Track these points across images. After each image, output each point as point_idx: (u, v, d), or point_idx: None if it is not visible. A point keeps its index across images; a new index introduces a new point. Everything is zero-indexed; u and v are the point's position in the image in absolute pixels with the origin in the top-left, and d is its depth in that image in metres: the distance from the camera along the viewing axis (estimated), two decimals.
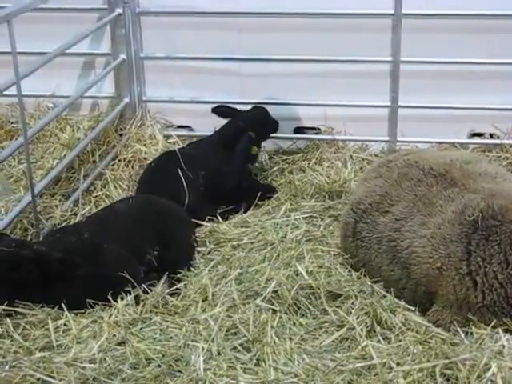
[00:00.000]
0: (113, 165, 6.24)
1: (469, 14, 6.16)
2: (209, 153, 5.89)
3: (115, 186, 5.96)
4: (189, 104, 6.71)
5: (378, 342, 4.06)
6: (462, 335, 3.98)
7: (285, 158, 6.54)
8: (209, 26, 6.48)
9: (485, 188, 4.43)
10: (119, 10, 6.45)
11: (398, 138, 6.50)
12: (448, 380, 3.69)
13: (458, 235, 4.21)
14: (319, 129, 6.72)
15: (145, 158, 6.31)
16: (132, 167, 6.26)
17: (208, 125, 6.40)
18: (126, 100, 6.68)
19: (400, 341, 4.04)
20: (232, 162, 5.83)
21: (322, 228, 5.37)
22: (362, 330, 4.13)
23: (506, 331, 3.95)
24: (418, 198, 4.57)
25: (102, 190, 5.91)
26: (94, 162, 6.20)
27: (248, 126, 5.91)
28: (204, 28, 6.49)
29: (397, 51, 6.21)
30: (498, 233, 4.12)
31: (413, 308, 4.34)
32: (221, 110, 6.10)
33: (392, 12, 6.13)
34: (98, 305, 4.44)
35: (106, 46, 6.70)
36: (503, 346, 3.78)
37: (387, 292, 4.46)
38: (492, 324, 3.98)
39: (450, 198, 4.44)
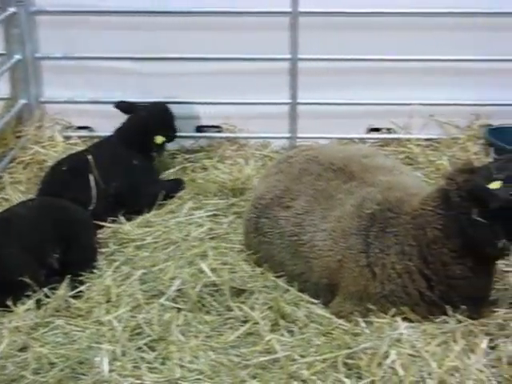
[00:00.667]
0: (11, 168, 6.12)
1: (364, 12, 6.32)
2: (113, 152, 5.85)
3: (13, 190, 5.85)
4: (89, 104, 6.65)
5: (282, 335, 4.12)
6: (363, 325, 4.08)
7: (187, 156, 6.55)
8: (108, 25, 6.43)
9: (382, 181, 4.55)
10: (13, 9, 6.33)
11: (299, 135, 6.60)
12: (350, 369, 3.79)
13: (356, 228, 4.32)
14: (221, 127, 6.76)
15: (44, 160, 6.21)
16: (31, 170, 6.16)
17: (108, 125, 6.34)
18: (23, 101, 6.56)
19: (303, 333, 4.11)
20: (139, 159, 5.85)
21: (225, 225, 5.40)
22: (265, 324, 4.19)
23: (404, 319, 4.08)
24: (318, 192, 4.66)
25: None
26: None
27: (150, 120, 5.97)
28: (103, 27, 6.44)
29: (295, 49, 6.31)
30: (394, 225, 4.24)
31: (316, 301, 4.42)
32: (123, 105, 6.08)
33: (289, 10, 6.23)
34: None
35: (0, 46, 6.56)
36: (401, 334, 3.90)
37: (290, 286, 4.53)
38: (391, 313, 4.08)
39: (349, 192, 4.55)
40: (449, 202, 4.05)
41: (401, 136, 6.61)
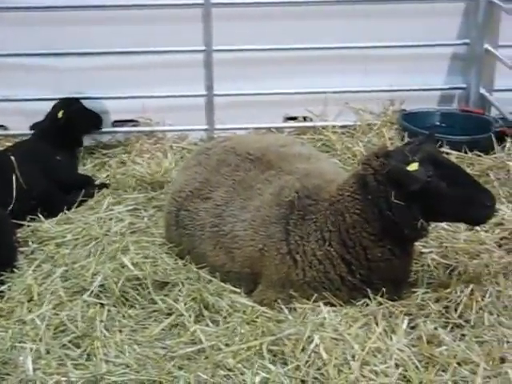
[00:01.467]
0: None
1: (276, 2, 6.39)
2: (35, 151, 5.81)
3: None
4: (3, 102, 6.54)
5: (207, 325, 4.15)
6: (286, 311, 4.14)
7: (105, 152, 6.54)
8: (18, 21, 6.35)
9: (299, 169, 4.62)
10: None
11: (216, 126, 6.65)
12: (275, 356, 3.84)
13: (276, 216, 4.37)
14: (137, 121, 6.75)
15: None
16: None
17: (23, 123, 6.29)
18: None
19: (228, 323, 4.15)
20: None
21: (145, 219, 5.40)
22: (190, 315, 4.21)
23: (326, 304, 4.15)
24: (237, 182, 4.69)
25: None
26: None
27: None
28: (14, 24, 6.35)
29: (209, 40, 6.34)
30: (313, 211, 4.30)
31: (239, 290, 4.46)
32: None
33: (202, 1, 6.25)
34: None
35: None
36: (324, 318, 3.97)
37: (213, 277, 4.56)
38: (313, 298, 4.16)
39: (267, 181, 4.60)
40: (366, 187, 4.13)
41: (317, 124, 6.72)
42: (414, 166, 3.96)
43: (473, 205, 4.01)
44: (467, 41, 6.64)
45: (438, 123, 6.63)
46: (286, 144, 5.01)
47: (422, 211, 4.04)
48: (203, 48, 6.40)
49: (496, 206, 4.14)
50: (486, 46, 6.54)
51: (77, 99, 6.28)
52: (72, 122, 6.03)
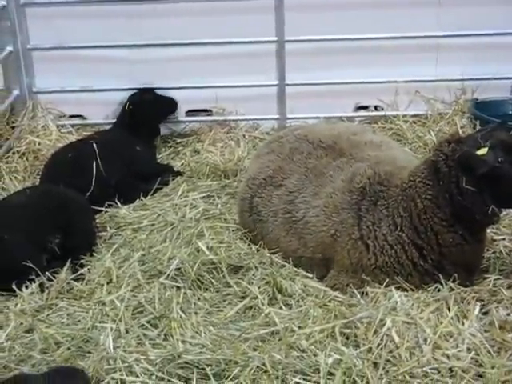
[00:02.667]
0: (7, 157, 6.20)
1: None
2: (116, 141, 5.98)
3: (10, 178, 5.94)
4: (80, 93, 6.72)
5: (280, 308, 4.22)
6: (358, 296, 4.18)
7: (179, 140, 6.66)
8: (95, 14, 6.50)
9: (371, 156, 4.65)
10: (3, 2, 6.40)
11: (288, 115, 6.70)
12: (348, 338, 3.89)
13: (348, 202, 4.41)
14: (211, 110, 6.84)
15: (39, 150, 6.31)
16: (27, 159, 6.25)
17: (100, 113, 6.46)
18: (16, 92, 6.64)
19: (301, 306, 4.21)
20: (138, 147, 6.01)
21: (219, 206, 5.49)
22: (264, 298, 4.28)
23: (398, 289, 4.18)
24: (309, 170, 4.75)
25: None
26: None
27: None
28: (90, 17, 6.51)
29: (281, 31, 6.39)
30: (385, 197, 4.33)
31: (311, 275, 4.52)
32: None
33: None
34: (2, 295, 4.46)
35: None
36: (396, 303, 4.00)
37: (286, 262, 4.62)
38: (385, 283, 4.19)
39: (339, 168, 4.64)
40: (437, 173, 4.14)
41: (388, 113, 6.71)
42: (483, 151, 3.95)
43: None
44: None
45: (510, 112, 6.56)
46: (358, 132, 5.04)
47: (493, 197, 4.03)
48: (275, 38, 6.44)
49: None
50: None
51: (149, 89, 6.41)
52: (143, 112, 6.14)
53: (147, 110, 6.21)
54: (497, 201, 4.06)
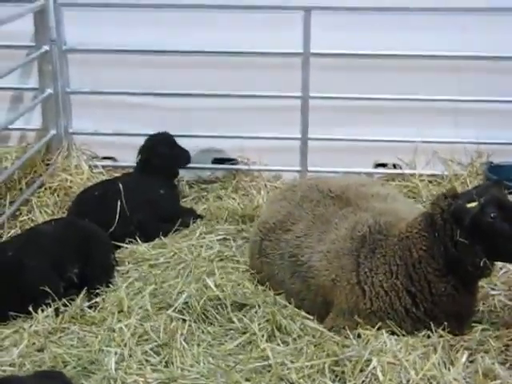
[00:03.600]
0: (39, 193, 6.55)
1: (370, 54, 6.71)
2: (141, 182, 6.28)
3: (41, 212, 6.27)
4: (112, 136, 7.09)
5: (278, 345, 4.45)
6: (351, 336, 4.38)
7: (204, 186, 6.96)
8: (131, 62, 6.89)
9: (375, 207, 4.89)
10: (46, 47, 6.82)
11: (309, 168, 6.95)
12: (336, 375, 4.09)
13: (348, 249, 4.65)
14: (236, 160, 7.15)
15: (70, 187, 6.64)
16: (58, 195, 6.58)
17: (131, 155, 6.78)
18: (53, 132, 7.02)
19: (297, 344, 4.43)
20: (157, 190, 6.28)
21: (233, 248, 5.75)
22: (263, 335, 4.51)
23: (391, 334, 4.38)
24: (316, 217, 5.00)
25: (27, 215, 6.21)
26: (21, 189, 6.50)
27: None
28: (127, 65, 6.90)
29: (306, 87, 6.70)
30: (383, 246, 4.56)
31: (311, 316, 4.74)
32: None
33: (301, 51, 6.63)
34: (20, 317, 4.76)
35: (34, 81, 7.04)
36: (385, 344, 4.19)
37: (288, 303, 4.85)
38: (377, 326, 4.39)
39: (344, 217, 4.88)
40: (433, 225, 4.37)
41: (406, 171, 6.94)
42: (472, 204, 4.18)
43: None
44: None
45: None
46: (366, 184, 5.30)
47: (485, 250, 4.24)
48: (300, 94, 6.75)
49: None
50: None
51: (162, 139, 6.54)
52: (156, 162, 6.37)
53: (158, 161, 6.37)
54: (489, 254, 4.26)
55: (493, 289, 4.94)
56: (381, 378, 3.94)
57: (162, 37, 6.77)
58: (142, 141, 6.65)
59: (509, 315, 4.67)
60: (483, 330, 4.47)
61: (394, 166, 7.09)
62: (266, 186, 6.88)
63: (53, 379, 3.57)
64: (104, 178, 6.82)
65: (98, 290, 5.10)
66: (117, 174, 6.84)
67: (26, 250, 5.06)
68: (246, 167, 7.05)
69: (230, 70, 6.78)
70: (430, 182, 6.85)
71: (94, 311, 4.87)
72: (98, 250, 5.39)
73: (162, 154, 6.40)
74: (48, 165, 6.92)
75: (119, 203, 5.94)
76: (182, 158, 6.56)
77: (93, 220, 5.67)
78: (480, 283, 4.65)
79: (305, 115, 6.82)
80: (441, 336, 4.34)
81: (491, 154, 6.89)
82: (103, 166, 7.04)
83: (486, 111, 6.81)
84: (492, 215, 4.21)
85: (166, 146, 6.50)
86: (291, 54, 6.71)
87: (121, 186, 6.04)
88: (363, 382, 3.95)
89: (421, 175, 6.89)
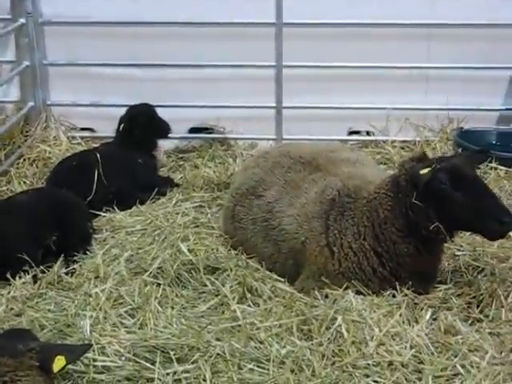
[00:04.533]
0: (18, 164, 6.61)
1: (344, 23, 6.78)
2: (118, 152, 6.34)
3: (19, 183, 6.34)
4: (91, 107, 7.15)
5: (249, 306, 4.55)
6: (319, 297, 4.49)
7: (181, 156, 7.04)
8: (108, 34, 6.94)
9: (344, 171, 4.98)
10: (22, 20, 6.85)
11: (284, 136, 7.04)
12: (304, 334, 4.21)
13: (318, 212, 4.75)
14: (212, 129, 7.22)
15: (49, 158, 6.72)
16: (36, 166, 6.64)
17: (109, 126, 6.84)
18: (31, 104, 7.07)
19: (267, 305, 4.53)
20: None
21: (209, 215, 5.84)
22: (234, 297, 4.61)
23: (357, 293, 4.49)
24: (287, 182, 5.09)
25: (6, 186, 6.28)
26: (0, 161, 6.55)
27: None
28: (104, 36, 6.95)
29: (279, 57, 6.77)
30: (351, 208, 4.66)
31: (282, 279, 4.84)
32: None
33: (274, 21, 6.68)
34: None
35: (11, 53, 7.08)
36: (351, 303, 4.31)
37: (261, 266, 4.95)
38: (344, 286, 4.50)
39: (313, 181, 4.98)
40: (398, 186, 4.48)
41: (378, 138, 7.04)
42: (425, 171, 4.27)
43: (487, 218, 4.26)
44: None
45: (493, 142, 6.87)
46: (336, 150, 5.39)
47: (438, 216, 4.34)
48: (274, 64, 6.81)
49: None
50: None
51: (144, 110, 6.58)
52: (135, 133, 6.42)
53: (138, 132, 6.43)
54: (442, 220, 4.35)
55: (458, 250, 5.05)
56: (345, 335, 4.06)
57: (137, 8, 6.84)
58: (119, 111, 6.69)
59: (472, 275, 4.78)
60: (447, 288, 4.58)
61: (368, 133, 7.20)
62: (241, 154, 6.98)
63: (21, 336, 3.66)
64: (82, 148, 6.88)
65: (75, 257, 5.18)
66: (95, 145, 6.89)
67: (3, 219, 5.13)
68: (222, 136, 7.13)
69: (205, 41, 6.85)
70: (402, 148, 6.95)
71: (71, 277, 4.95)
72: (76, 219, 5.47)
73: (143, 126, 6.45)
74: (27, 136, 6.98)
75: (96, 172, 6.00)
76: (162, 129, 6.61)
77: (70, 189, 5.73)
78: (446, 244, 4.74)
79: (279, 84, 6.89)
80: (405, 295, 4.45)
81: (462, 120, 6.99)
82: (82, 137, 7.12)
83: (455, 78, 6.91)
84: (444, 182, 4.30)
85: (147, 117, 6.55)
86: (265, 24, 6.77)
87: (98, 155, 6.10)
88: (329, 339, 4.07)
89: (393, 142, 7.00)
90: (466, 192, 4.29)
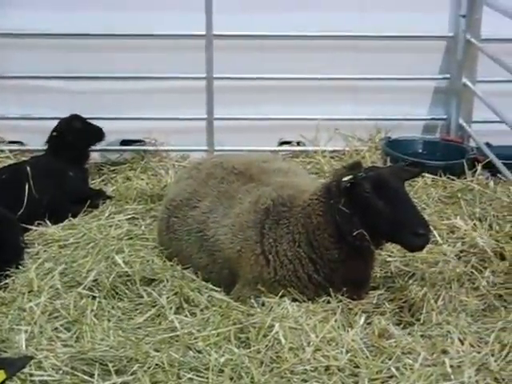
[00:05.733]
0: None
1: (274, 35, 6.90)
2: (50, 165, 6.30)
3: None
4: (20, 120, 7.09)
5: (186, 316, 4.58)
6: (256, 305, 4.55)
7: (112, 168, 7.02)
8: (38, 46, 6.89)
9: (277, 181, 5.06)
10: None
11: (216, 148, 7.08)
12: (242, 342, 4.26)
13: (253, 221, 4.81)
14: (144, 141, 7.24)
15: None
16: None
17: (38, 140, 6.78)
18: None
19: (204, 314, 4.57)
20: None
21: (143, 227, 5.85)
22: (171, 308, 4.63)
23: (293, 300, 4.56)
24: (221, 193, 5.14)
25: None
26: None
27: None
28: (34, 48, 6.90)
29: (210, 68, 6.81)
30: (286, 217, 4.74)
31: (218, 289, 4.89)
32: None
33: (204, 33, 6.74)
34: None
35: None
36: (287, 311, 4.38)
37: (197, 276, 4.99)
38: (280, 294, 4.57)
39: (247, 192, 5.04)
40: (329, 192, 4.57)
41: (309, 148, 7.16)
42: (347, 178, 4.39)
43: (404, 229, 4.32)
44: (448, 76, 7.15)
45: (420, 150, 7.06)
46: (268, 160, 5.47)
47: (362, 223, 4.43)
48: (205, 75, 6.86)
49: (429, 236, 4.38)
50: (465, 80, 7.00)
51: (78, 117, 6.60)
52: (69, 139, 6.41)
53: (72, 138, 6.43)
54: (366, 228, 4.43)
55: (389, 256, 5.17)
56: (283, 341, 4.12)
57: (68, 19, 6.80)
58: (49, 124, 6.64)
59: (403, 280, 4.91)
60: (380, 294, 4.70)
61: (298, 144, 7.30)
62: (174, 165, 7.00)
63: None
64: (11, 162, 6.81)
65: (7, 272, 5.12)
66: (24, 158, 6.83)
67: None
68: (154, 148, 7.14)
69: (136, 52, 6.88)
70: (332, 157, 7.08)
71: (4, 292, 4.90)
72: (7, 233, 5.40)
73: (76, 130, 6.45)
74: None
75: (27, 186, 5.95)
76: (96, 133, 6.61)
77: (0, 203, 5.67)
78: (377, 251, 4.85)
79: (210, 96, 6.94)
80: (340, 301, 4.54)
81: (389, 129, 7.16)
82: (10, 151, 7.03)
83: (383, 89, 7.09)
84: (366, 190, 4.40)
85: (80, 121, 6.57)
86: (195, 36, 6.81)
87: (29, 168, 6.05)
88: (266, 346, 4.12)
89: (323, 151, 7.11)
90: (387, 201, 4.37)
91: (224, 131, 7.06)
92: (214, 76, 6.86)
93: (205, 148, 7.11)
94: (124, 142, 7.27)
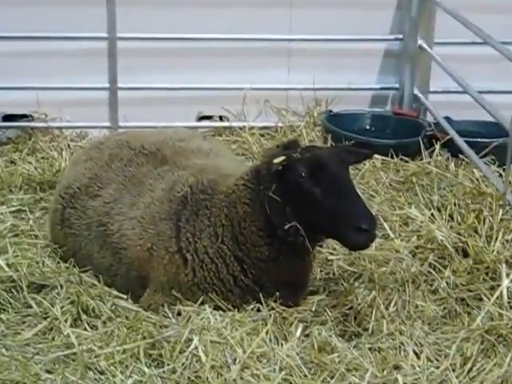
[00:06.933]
0: None
1: None
2: None
3: None
4: None
5: (85, 329, 4.54)
6: (170, 315, 4.53)
7: None
8: None
9: (196, 164, 5.05)
10: None
11: (120, 124, 7.05)
12: (153, 360, 4.24)
13: (167, 212, 4.79)
14: (31, 116, 7.12)
15: None
16: None
17: None
18: None
19: (107, 327, 4.54)
20: None
21: (31, 222, 5.78)
22: (66, 319, 4.58)
23: (216, 309, 4.56)
24: (127, 178, 5.11)
25: None
26: None
27: None
28: None
29: (112, 26, 6.74)
30: (207, 206, 4.72)
31: (124, 296, 4.86)
32: None
33: None
34: None
35: None
36: (209, 321, 4.38)
37: (97, 280, 4.95)
38: (200, 301, 4.57)
39: (160, 176, 5.02)
40: (258, 177, 4.56)
41: (234, 124, 7.16)
42: (280, 159, 4.35)
43: (344, 223, 4.31)
44: (400, 36, 7.20)
45: (367, 127, 7.13)
46: (185, 138, 5.45)
47: (295, 214, 4.43)
48: (106, 35, 6.79)
49: (375, 232, 4.39)
50: (420, 42, 7.09)
51: None
52: None
53: None
54: (300, 220, 4.42)
55: (331, 253, 5.21)
56: (203, 358, 4.10)
57: None
58: None
59: (348, 282, 4.95)
60: (320, 300, 4.73)
61: (221, 119, 7.30)
62: (69, 146, 6.93)
63: None
64: None
65: None
66: None
67: None
68: (44, 124, 7.05)
69: (23, 7, 6.77)
70: (262, 135, 7.12)
71: None
72: None
73: None
74: None
75: None
76: None
77: None
78: (318, 248, 4.88)
79: (113, 60, 6.89)
80: (272, 308, 4.56)
81: (330, 101, 7.20)
82: None
83: (322, 52, 7.12)
84: (300, 175, 4.39)
85: None
86: None
87: None
88: (183, 364, 4.10)
89: (251, 128, 7.14)
90: (325, 189, 4.37)
91: (130, 104, 7.02)
92: (118, 36, 6.80)
93: (107, 124, 7.06)
94: (6, 118, 7.15)
